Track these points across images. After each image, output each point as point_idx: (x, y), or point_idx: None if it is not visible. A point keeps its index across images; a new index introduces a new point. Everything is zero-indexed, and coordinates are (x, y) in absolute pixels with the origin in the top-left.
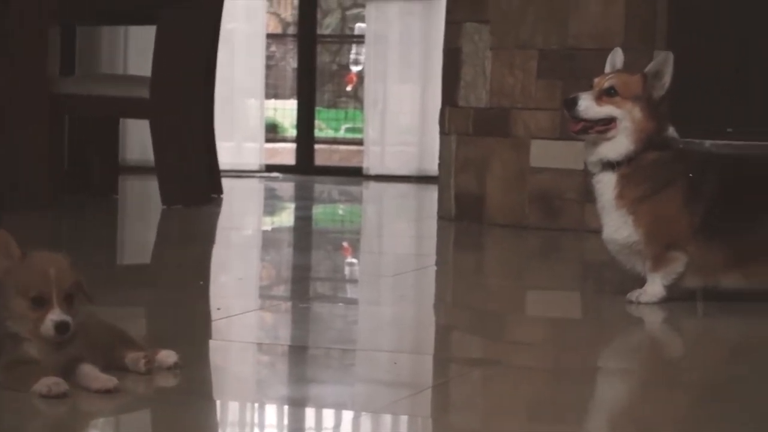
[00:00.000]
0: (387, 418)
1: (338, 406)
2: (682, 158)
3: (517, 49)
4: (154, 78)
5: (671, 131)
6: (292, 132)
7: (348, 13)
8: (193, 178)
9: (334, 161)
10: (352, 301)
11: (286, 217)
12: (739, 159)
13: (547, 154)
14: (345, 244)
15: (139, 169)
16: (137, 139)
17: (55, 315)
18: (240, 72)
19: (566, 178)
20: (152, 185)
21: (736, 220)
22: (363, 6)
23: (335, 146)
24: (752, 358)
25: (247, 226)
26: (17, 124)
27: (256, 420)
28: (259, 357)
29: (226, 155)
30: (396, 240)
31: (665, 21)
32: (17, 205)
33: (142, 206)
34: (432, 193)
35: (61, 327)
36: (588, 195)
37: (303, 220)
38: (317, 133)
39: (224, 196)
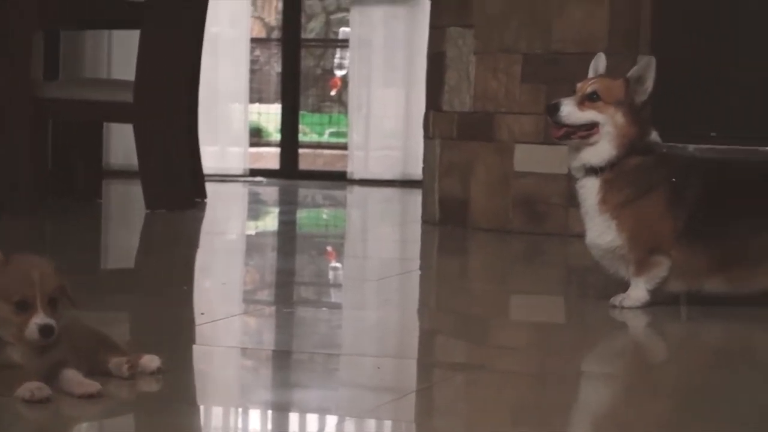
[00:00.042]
0: (371, 423)
1: (322, 411)
2: (665, 163)
3: (501, 53)
4: (138, 82)
5: (654, 136)
6: (277, 136)
7: (332, 17)
8: (177, 182)
9: (319, 165)
10: (336, 306)
11: (270, 222)
12: (722, 163)
13: (531, 158)
14: (329, 248)
15: (123, 174)
16: (121, 143)
17: (39, 319)
18: (224, 76)
19: (550, 183)
20: (136, 189)
21: (720, 224)
22: (347, 10)
23: (319, 150)
24: (735, 363)
25: (231, 230)
26: (1, 129)
27: (239, 425)
28: (243, 362)
29: (210, 159)
30: (380, 244)
31: (649, 26)
32: (0, 209)
33: (126, 210)
34: (416, 198)
35: (45, 330)
36: (572, 199)
37: (287, 224)
38: (301, 138)
39: (208, 200)
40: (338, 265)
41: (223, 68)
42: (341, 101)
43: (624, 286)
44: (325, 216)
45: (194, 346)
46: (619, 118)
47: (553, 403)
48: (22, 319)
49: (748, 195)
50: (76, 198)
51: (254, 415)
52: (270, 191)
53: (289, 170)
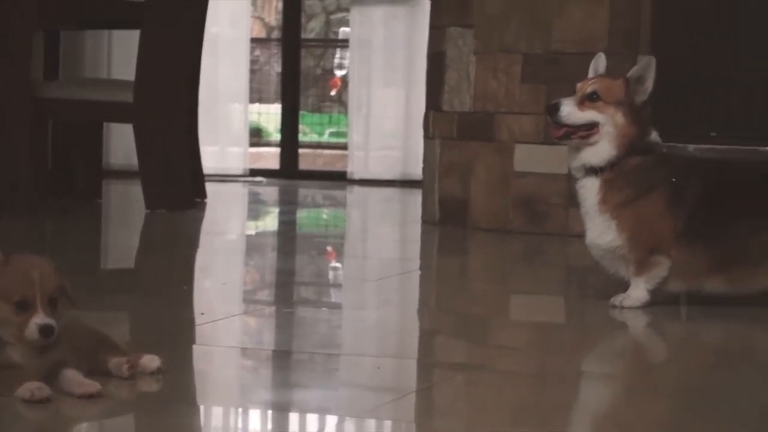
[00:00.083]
0: (371, 423)
1: (322, 411)
2: (665, 163)
3: (501, 53)
4: (138, 82)
5: (654, 136)
6: (277, 136)
7: (332, 17)
8: (177, 182)
9: (319, 165)
10: (336, 306)
11: (270, 222)
12: (722, 163)
13: (531, 158)
14: (329, 248)
15: (123, 174)
16: (121, 143)
17: (39, 319)
18: (224, 76)
19: (550, 183)
20: (136, 189)
21: (720, 224)
22: (347, 10)
23: (319, 150)
24: (735, 363)
25: (231, 230)
26: (1, 129)
27: (239, 425)
28: (243, 362)
29: (210, 159)
30: (380, 244)
31: (649, 26)
32: (0, 209)
33: (126, 210)
34: (416, 198)
35: (45, 330)
36: (572, 199)
37: (287, 224)
38: (301, 138)
39: (208, 200)
40: (338, 265)
41: (223, 68)
42: (341, 101)
43: (624, 286)
44: (325, 216)
45: (194, 346)
46: (619, 118)
47: (553, 403)
48: (22, 319)
49: (748, 195)
50: (76, 198)
51: (254, 415)
52: (270, 191)
53: (289, 170)
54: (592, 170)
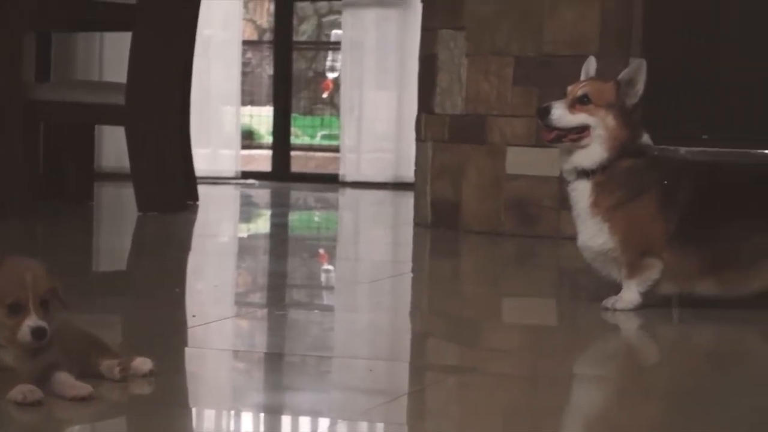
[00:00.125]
0: (363, 426)
1: (314, 414)
2: (656, 165)
3: (492, 55)
4: (130, 85)
5: (645, 138)
6: (268, 139)
7: (324, 19)
8: (168, 184)
9: (310, 168)
10: (328, 308)
11: (262, 224)
12: (713, 166)
13: (523, 161)
14: (321, 251)
15: (114, 176)
16: (113, 145)
17: (31, 321)
18: (216, 78)
19: (542, 185)
20: (128, 192)
21: (711, 227)
22: (339, 13)
23: (311, 153)
24: (727, 365)
25: (223, 233)
26: None
27: (232, 428)
28: (235, 364)
29: (202, 162)
30: (372, 247)
31: (640, 27)
32: None
33: (118, 213)
34: (408, 200)
35: (38, 333)
36: (564, 202)
37: (279, 227)
38: (293, 140)
39: (200, 202)
40: (330, 267)
41: (215, 70)
42: (333, 104)
43: (616, 288)
44: (316, 218)
45: (186, 349)
46: (610, 120)
47: (545, 405)
48: (15, 321)
49: (739, 197)
50: (67, 200)
51: (246, 418)
52: (262, 194)
53: (281, 173)
54: (583, 173)
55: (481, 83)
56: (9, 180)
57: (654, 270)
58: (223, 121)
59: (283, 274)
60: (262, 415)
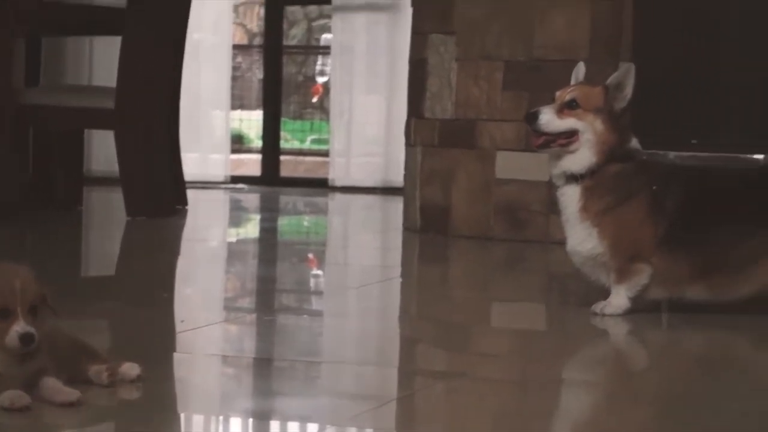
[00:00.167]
0: (352, 431)
1: (303, 419)
2: (645, 170)
3: (482, 60)
4: (119, 89)
5: (634, 143)
6: (258, 143)
7: (314, 24)
8: (158, 189)
9: (300, 172)
10: (317, 313)
11: (252, 229)
12: (703, 171)
13: (513, 165)
14: (310, 255)
15: (104, 181)
16: (102, 150)
17: (19, 327)
18: (206, 83)
19: (532, 190)
20: (117, 197)
21: (701, 231)
22: (329, 17)
23: (301, 157)
24: (716, 370)
25: (212, 237)
26: None
27: None
28: (224, 369)
29: (192, 166)
30: (361, 251)
31: (630, 33)
32: None
33: (107, 218)
34: (397, 205)
35: (26, 338)
36: (553, 207)
37: (268, 231)
38: (283, 145)
39: (189, 207)
40: (319, 272)
41: (205, 75)
42: (323, 108)
43: (605, 293)
44: (306, 223)
45: (175, 354)
46: (599, 125)
47: (534, 410)
48: (3, 327)
49: (728, 202)
50: (56, 206)
51: (235, 423)
52: (251, 198)
53: (270, 177)
54: (572, 178)
55: (471, 88)
56: None
57: (643, 275)
58: (213, 126)
59: (272, 279)
60: (250, 420)
